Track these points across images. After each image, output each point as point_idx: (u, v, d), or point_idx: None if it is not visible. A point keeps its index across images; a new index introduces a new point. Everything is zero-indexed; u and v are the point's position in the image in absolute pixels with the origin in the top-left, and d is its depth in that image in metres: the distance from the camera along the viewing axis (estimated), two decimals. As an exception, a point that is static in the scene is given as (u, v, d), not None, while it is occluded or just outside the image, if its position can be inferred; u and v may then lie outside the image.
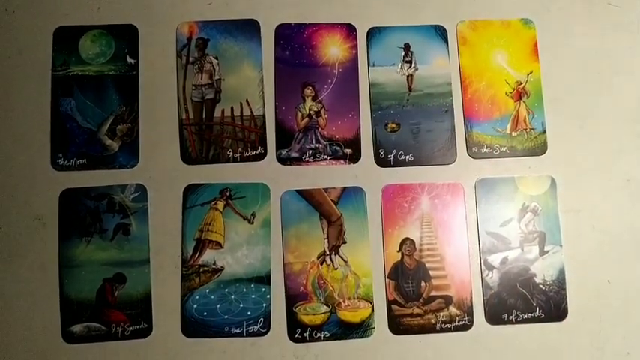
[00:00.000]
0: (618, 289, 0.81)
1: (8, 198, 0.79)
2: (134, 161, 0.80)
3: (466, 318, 0.79)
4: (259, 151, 0.82)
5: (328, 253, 0.80)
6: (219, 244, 0.79)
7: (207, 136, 0.82)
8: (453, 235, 0.81)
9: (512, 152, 0.83)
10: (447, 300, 0.79)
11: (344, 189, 0.81)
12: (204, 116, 0.82)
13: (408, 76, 0.84)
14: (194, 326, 0.78)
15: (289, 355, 0.78)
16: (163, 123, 0.82)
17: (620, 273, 0.81)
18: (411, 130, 0.83)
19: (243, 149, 0.81)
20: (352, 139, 0.82)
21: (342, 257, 0.80)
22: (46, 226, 0.79)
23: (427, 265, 0.80)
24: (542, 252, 0.80)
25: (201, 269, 0.79)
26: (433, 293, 0.79)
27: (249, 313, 0.78)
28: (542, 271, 0.80)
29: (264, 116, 0.82)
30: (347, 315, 0.79)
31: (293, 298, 0.79)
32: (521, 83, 0.84)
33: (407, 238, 0.80)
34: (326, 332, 0.78)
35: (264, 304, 0.78)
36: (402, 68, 0.84)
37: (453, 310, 0.79)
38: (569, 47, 0.85)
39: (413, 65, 0.84)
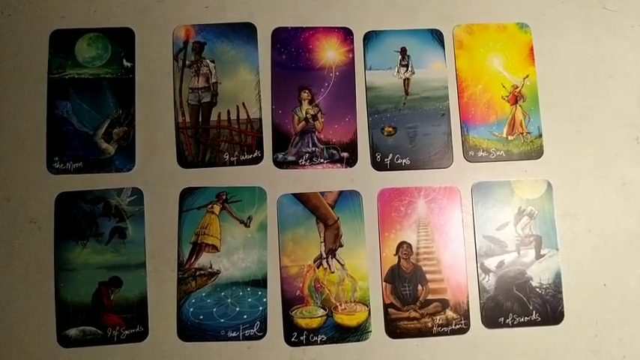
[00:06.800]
0: (614, 293, 0.81)
1: (4, 201, 0.79)
2: (130, 165, 0.80)
3: (463, 322, 0.79)
4: (256, 154, 0.81)
5: (325, 256, 0.80)
6: (215, 248, 0.79)
7: (204, 139, 0.82)
8: (449, 239, 0.81)
9: (508, 156, 0.83)
10: (444, 304, 0.79)
11: (340, 192, 0.81)
12: (200, 119, 0.82)
13: (404, 80, 0.84)
14: (190, 330, 0.77)
15: (286, 359, 0.78)
16: (160, 126, 0.82)
17: (616, 276, 0.81)
18: (407, 133, 0.83)
19: (239, 153, 0.81)
20: (349, 143, 0.82)
21: (338, 261, 0.80)
22: (41, 229, 0.79)
23: (424, 268, 0.80)
24: (539, 256, 0.81)
25: (197, 273, 0.78)
26: (430, 297, 0.79)
27: (245, 316, 0.78)
28: (539, 275, 0.80)
29: (260, 120, 0.82)
30: (343, 319, 0.79)
31: (289, 302, 0.78)
32: (517, 87, 0.84)
33: (403, 242, 0.80)
34: (322, 336, 0.78)
35: (260, 308, 0.78)
36: (398, 72, 0.84)
37: (449, 313, 0.79)
38: (565, 51, 0.86)
39: (409, 69, 0.84)
